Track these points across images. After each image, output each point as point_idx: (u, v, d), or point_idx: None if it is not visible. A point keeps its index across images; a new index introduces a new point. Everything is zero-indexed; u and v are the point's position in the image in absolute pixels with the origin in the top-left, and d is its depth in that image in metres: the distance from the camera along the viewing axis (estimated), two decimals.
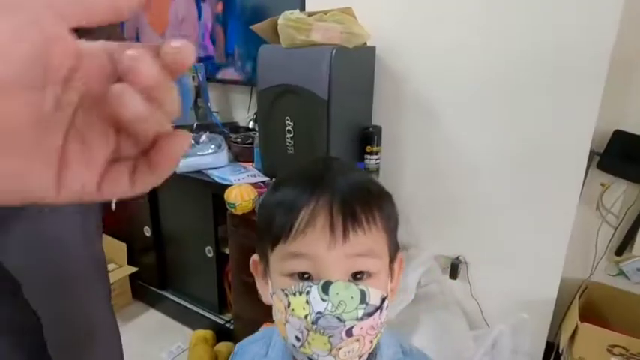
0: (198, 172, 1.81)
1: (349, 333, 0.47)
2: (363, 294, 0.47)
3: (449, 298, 1.75)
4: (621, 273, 1.59)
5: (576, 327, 1.43)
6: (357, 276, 0.49)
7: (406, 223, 1.81)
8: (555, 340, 1.64)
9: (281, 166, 1.65)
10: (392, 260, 0.55)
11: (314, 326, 0.46)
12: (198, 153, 1.83)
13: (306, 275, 0.49)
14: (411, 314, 1.63)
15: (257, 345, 0.65)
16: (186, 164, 1.80)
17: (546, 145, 1.47)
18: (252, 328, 1.59)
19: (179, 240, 2.05)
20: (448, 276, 1.76)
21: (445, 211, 1.73)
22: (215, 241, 1.87)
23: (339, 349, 0.47)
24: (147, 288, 2.22)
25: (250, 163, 1.88)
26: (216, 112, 2.32)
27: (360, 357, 0.51)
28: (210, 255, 1.91)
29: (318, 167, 0.55)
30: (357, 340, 0.48)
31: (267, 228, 0.51)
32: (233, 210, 1.55)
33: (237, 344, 0.69)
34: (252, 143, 1.90)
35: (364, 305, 0.47)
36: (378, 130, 1.66)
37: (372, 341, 0.50)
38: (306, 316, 0.46)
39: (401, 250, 1.89)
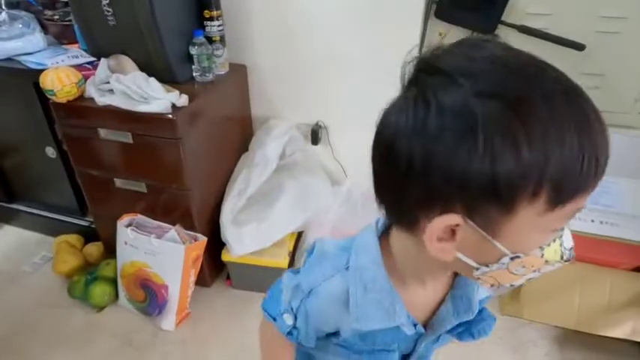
0: (8, 59, 1.50)
1: None
2: None
3: (313, 164, 1.81)
4: None
5: None
6: None
7: (262, 94, 1.75)
8: None
9: (106, 42, 1.43)
10: None
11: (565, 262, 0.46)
12: (3, 36, 1.50)
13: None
14: (274, 183, 1.66)
15: (337, 281, 0.55)
16: None
17: None
18: (114, 223, 1.52)
19: (11, 145, 1.78)
20: (310, 143, 1.79)
21: (299, 77, 1.69)
22: (54, 139, 1.65)
23: None
24: None
25: (76, 45, 1.60)
26: None
27: None
28: (53, 156, 1.70)
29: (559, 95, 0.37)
30: None
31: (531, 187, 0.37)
32: (54, 97, 1.34)
33: (298, 282, 0.58)
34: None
35: None
36: None
37: None
38: (562, 257, 0.45)
39: (264, 121, 1.79)
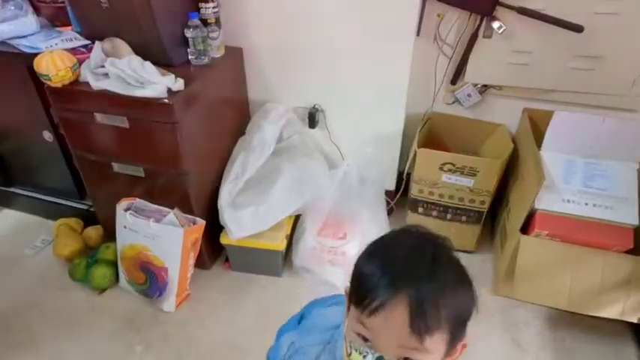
0: (1, 43, 1.49)
1: None
2: None
3: (310, 147, 1.81)
4: (456, 100, 1.75)
5: (415, 153, 1.59)
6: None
7: (259, 77, 1.74)
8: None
9: (100, 25, 1.41)
10: (452, 347, 0.58)
11: None
12: None
13: (367, 339, 0.55)
14: (272, 166, 1.67)
15: (318, 348, 0.72)
16: None
17: None
18: (113, 206, 1.53)
19: (8, 129, 1.78)
20: (307, 126, 1.79)
21: (296, 60, 1.68)
22: (51, 123, 1.65)
23: None
24: None
25: (69, 27, 1.58)
26: None
27: None
28: (50, 140, 1.70)
29: (411, 256, 0.56)
30: None
31: (354, 290, 0.58)
32: (49, 82, 1.33)
33: (292, 340, 0.76)
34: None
35: None
36: None
37: None
38: None
39: (261, 105, 1.77)
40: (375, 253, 0.59)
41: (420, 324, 0.51)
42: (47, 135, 1.69)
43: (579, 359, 1.42)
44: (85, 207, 1.86)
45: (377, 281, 0.54)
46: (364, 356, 0.55)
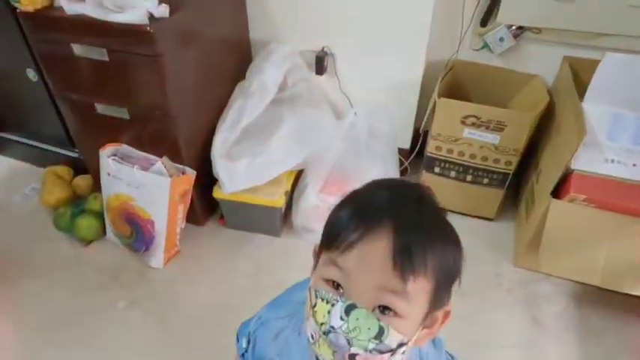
0: None
1: (352, 357, 0.47)
2: (380, 330, 0.46)
3: (317, 96, 1.63)
4: (486, 46, 1.53)
5: (434, 103, 1.40)
6: (384, 310, 0.46)
7: (262, 13, 1.55)
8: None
9: None
10: (434, 308, 0.50)
11: (324, 337, 0.48)
12: None
13: (337, 284, 0.48)
14: (273, 116, 1.50)
15: (283, 322, 0.65)
16: None
17: None
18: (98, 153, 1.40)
19: None
20: (315, 72, 1.61)
21: None
22: (34, 61, 1.51)
23: None
24: None
25: None
26: None
27: None
28: (34, 79, 1.56)
29: (393, 196, 0.50)
30: None
31: (326, 234, 0.51)
32: (18, 5, 1.18)
33: (260, 314, 0.69)
34: None
35: (377, 341, 0.46)
36: None
37: None
38: (321, 324, 0.48)
39: (264, 46, 1.56)
40: (349, 199, 0.52)
41: (404, 261, 0.44)
42: (31, 74, 1.56)
43: (606, 341, 1.26)
44: (76, 155, 1.74)
45: (354, 215, 0.47)
46: (332, 305, 0.47)
